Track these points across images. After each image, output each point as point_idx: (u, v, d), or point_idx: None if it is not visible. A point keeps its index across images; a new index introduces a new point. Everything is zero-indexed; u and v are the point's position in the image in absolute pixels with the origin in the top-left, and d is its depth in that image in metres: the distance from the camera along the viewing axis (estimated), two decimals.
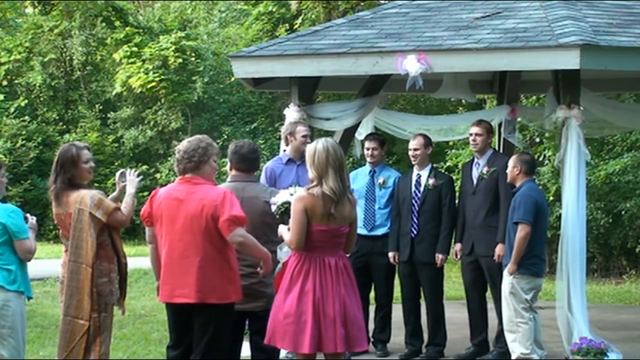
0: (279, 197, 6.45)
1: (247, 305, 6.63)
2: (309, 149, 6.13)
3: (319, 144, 6.07)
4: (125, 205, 6.85)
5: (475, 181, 8.74)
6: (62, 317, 6.75)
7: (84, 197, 6.79)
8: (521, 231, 7.82)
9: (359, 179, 9.06)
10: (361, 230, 8.76)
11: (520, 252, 7.82)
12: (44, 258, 16.04)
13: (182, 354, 6.40)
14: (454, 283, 14.16)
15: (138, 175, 7.11)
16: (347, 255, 6.28)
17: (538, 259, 7.98)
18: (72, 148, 6.87)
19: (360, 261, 8.81)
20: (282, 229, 6.27)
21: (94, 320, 6.75)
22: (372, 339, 8.93)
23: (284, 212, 6.34)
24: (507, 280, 7.93)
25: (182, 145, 6.39)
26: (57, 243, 18.18)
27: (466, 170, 8.99)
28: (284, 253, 6.44)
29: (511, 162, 8.12)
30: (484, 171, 8.66)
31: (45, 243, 19.56)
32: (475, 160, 8.84)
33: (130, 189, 6.94)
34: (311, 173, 6.06)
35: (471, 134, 8.82)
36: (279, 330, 6.04)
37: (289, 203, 6.25)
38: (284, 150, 8.56)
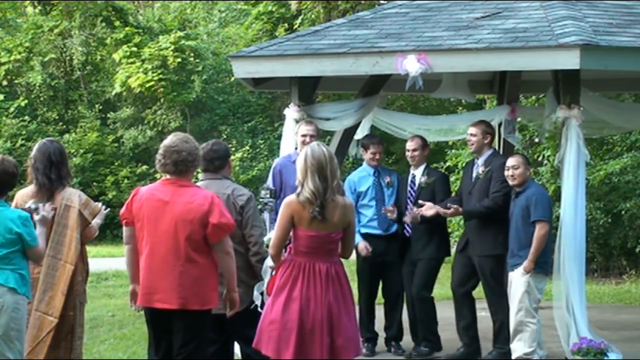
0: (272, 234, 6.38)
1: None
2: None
3: (302, 151, 6.04)
4: (92, 225, 6.93)
5: (473, 181, 8.74)
6: (33, 311, 6.70)
7: (72, 195, 6.82)
8: (541, 229, 7.85)
9: (363, 181, 9.05)
10: (377, 231, 8.94)
11: (539, 250, 7.85)
12: None
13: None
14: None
15: (106, 208, 7.13)
16: (346, 259, 6.21)
17: (549, 258, 8.04)
18: (60, 145, 6.96)
19: (378, 261, 8.92)
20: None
21: (68, 318, 6.75)
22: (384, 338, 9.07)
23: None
24: (523, 279, 7.92)
25: (179, 145, 6.10)
26: None
27: (467, 170, 9.00)
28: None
29: (520, 165, 8.10)
30: (480, 171, 8.65)
31: None
32: (475, 160, 8.85)
33: (98, 220, 6.98)
34: (296, 179, 6.04)
35: (468, 134, 8.85)
36: (265, 336, 6.00)
37: None
38: (295, 149, 8.58)
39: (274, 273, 6.23)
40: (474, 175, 8.71)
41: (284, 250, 6.19)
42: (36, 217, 6.42)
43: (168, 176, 6.20)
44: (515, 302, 8.00)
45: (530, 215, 7.95)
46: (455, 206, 8.47)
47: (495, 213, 8.39)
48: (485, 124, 8.88)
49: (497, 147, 11.18)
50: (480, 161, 8.71)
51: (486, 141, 8.73)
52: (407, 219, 8.73)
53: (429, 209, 8.55)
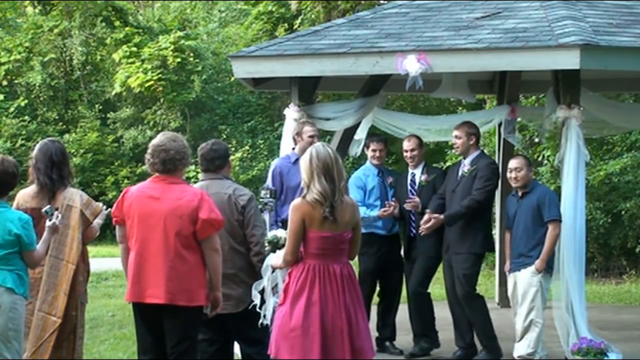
0: (278, 232, 6.30)
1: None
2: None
3: (307, 152, 5.94)
4: (94, 225, 6.93)
5: (458, 179, 8.60)
6: (36, 312, 6.71)
7: (74, 195, 6.83)
8: (556, 229, 7.91)
9: (368, 180, 9.03)
10: (380, 231, 8.93)
11: (552, 250, 7.90)
12: None
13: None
14: None
15: (106, 209, 7.10)
16: (351, 260, 6.15)
17: (553, 258, 8.06)
18: (62, 145, 6.96)
19: (381, 261, 8.91)
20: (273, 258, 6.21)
21: (70, 318, 6.76)
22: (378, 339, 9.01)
23: (275, 245, 6.20)
24: (535, 279, 7.94)
25: (167, 144, 6.16)
26: None
27: (452, 170, 8.86)
28: (273, 258, 6.29)
29: (523, 167, 8.10)
30: (466, 170, 8.54)
31: None
32: (462, 161, 8.76)
33: (99, 220, 6.99)
34: (302, 181, 5.94)
35: (452, 137, 8.76)
36: (287, 344, 5.84)
37: (284, 239, 6.10)
38: (293, 149, 8.55)
39: (285, 280, 6.10)
40: (459, 174, 8.61)
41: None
42: (48, 223, 6.38)
43: (157, 174, 6.25)
44: (526, 302, 7.98)
45: (543, 216, 7.96)
46: (434, 216, 8.37)
47: (475, 211, 8.34)
48: (468, 125, 8.71)
49: (497, 148, 11.23)
50: (467, 162, 8.59)
51: (471, 142, 8.59)
52: (407, 205, 8.65)
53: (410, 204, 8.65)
